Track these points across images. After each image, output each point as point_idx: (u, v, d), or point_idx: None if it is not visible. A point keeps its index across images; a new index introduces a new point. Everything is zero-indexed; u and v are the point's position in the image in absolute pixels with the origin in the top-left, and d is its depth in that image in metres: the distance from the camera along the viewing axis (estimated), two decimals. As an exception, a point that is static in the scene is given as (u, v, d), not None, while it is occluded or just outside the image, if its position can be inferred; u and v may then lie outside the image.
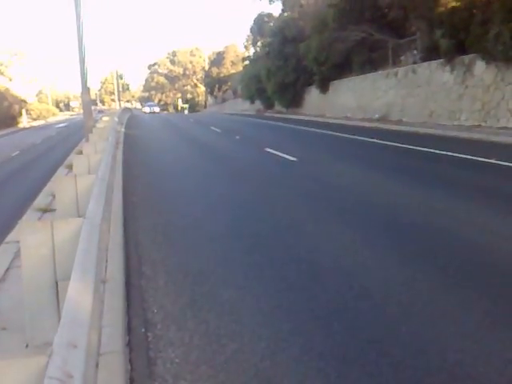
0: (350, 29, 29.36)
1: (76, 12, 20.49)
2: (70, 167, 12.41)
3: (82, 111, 26.19)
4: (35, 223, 4.89)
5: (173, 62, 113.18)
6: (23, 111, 76.63)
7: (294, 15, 47.20)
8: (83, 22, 20.76)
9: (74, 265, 3.40)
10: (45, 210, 9.14)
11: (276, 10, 64.82)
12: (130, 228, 7.74)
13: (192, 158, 17.34)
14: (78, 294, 2.96)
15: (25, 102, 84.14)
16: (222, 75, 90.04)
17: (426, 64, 25.10)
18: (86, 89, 21.55)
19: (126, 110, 62.32)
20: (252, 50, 68.11)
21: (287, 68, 42.41)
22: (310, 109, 41.40)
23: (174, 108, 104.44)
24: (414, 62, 26.82)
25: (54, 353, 2.16)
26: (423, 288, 5.04)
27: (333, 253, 6.27)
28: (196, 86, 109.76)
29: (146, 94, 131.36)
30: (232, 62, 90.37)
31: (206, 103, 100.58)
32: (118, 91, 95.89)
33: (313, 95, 41.37)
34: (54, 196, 8.80)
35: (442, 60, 23.29)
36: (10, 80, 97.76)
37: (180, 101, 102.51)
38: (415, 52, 27.34)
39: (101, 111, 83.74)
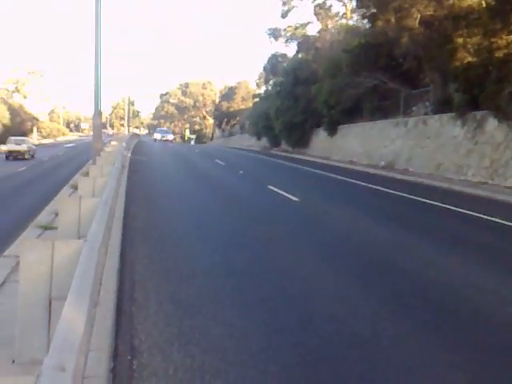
0: (363, 75, 29.72)
1: (96, 40, 20.90)
2: (75, 187, 12.52)
3: (91, 133, 26.47)
4: (37, 241, 4.96)
5: (184, 93, 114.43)
6: (34, 129, 77.72)
7: (308, 57, 47.88)
8: (100, 50, 21.14)
9: (71, 287, 3.44)
10: (46, 228, 9.19)
11: (291, 50, 66.23)
12: (127, 254, 7.77)
13: (192, 187, 17.48)
14: (72, 318, 3.00)
15: (37, 119, 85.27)
16: (231, 109, 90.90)
17: (437, 116, 25.20)
18: (97, 113, 21.82)
19: (135, 135, 62.84)
20: (263, 88, 68.88)
21: (297, 108, 42.80)
22: (317, 150, 41.62)
23: (181, 138, 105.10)
24: (426, 114, 26.96)
25: (43, 374, 2.21)
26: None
27: (325, 298, 6.30)
28: (205, 118, 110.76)
29: (155, 122, 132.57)
30: (243, 97, 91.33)
31: (213, 135, 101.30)
32: (129, 117, 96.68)
33: (320, 137, 41.64)
34: (56, 214, 8.87)
35: (453, 114, 23.33)
36: (25, 97, 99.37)
37: (188, 131, 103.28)
38: (427, 103, 27.51)
39: (110, 135, 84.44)
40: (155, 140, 70.99)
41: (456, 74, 22.68)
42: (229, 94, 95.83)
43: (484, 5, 21.94)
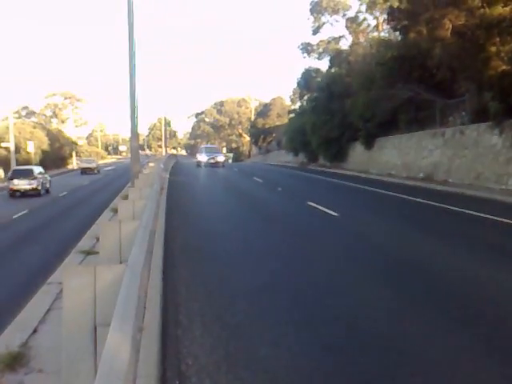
0: (397, 87, 29.52)
1: (129, 62, 21.23)
2: (115, 210, 12.66)
3: (129, 155, 26.81)
4: (79, 267, 5.01)
5: (219, 112, 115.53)
6: (73, 153, 79.32)
7: (341, 71, 47.79)
8: (135, 72, 21.45)
9: (114, 313, 3.44)
10: (88, 253, 9.29)
11: (323, 65, 66.11)
12: (168, 276, 7.78)
13: (232, 206, 17.50)
14: (117, 344, 2.99)
15: (75, 144, 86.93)
16: (267, 126, 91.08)
17: (474, 126, 24.84)
18: (135, 135, 22.11)
19: (172, 156, 63.52)
20: (298, 104, 68.94)
21: (333, 123, 42.66)
22: (354, 164, 41.36)
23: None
24: (462, 124, 26.59)
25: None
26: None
27: (370, 316, 6.18)
28: (241, 135, 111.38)
29: (192, 142, 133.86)
30: (278, 113, 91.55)
31: (249, 153, 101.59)
32: (165, 138, 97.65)
33: (357, 151, 41.38)
34: (97, 239, 8.96)
35: (490, 123, 23.03)
36: (63, 122, 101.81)
37: (225, 150, 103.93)
38: (463, 113, 27.14)
39: (147, 156, 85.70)
40: (199, 164, 49.08)
41: (491, 83, 22.39)
42: (264, 110, 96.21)
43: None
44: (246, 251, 10.13)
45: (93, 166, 61.78)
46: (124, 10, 20.96)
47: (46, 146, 64.73)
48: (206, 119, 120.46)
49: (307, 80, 57.20)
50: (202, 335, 5.43)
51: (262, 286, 7.44)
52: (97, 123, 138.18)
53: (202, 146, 61.12)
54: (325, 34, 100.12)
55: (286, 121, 75.46)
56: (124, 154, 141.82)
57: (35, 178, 32.75)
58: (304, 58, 59.73)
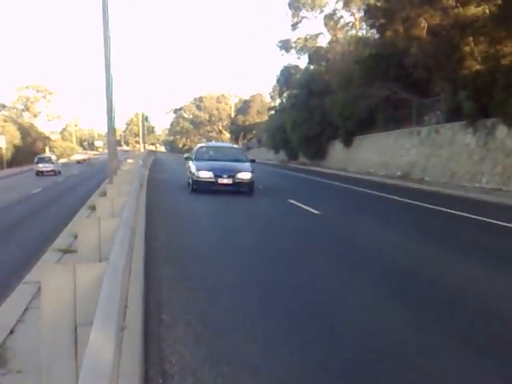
0: (375, 86, 29.71)
1: (105, 55, 20.83)
2: (93, 208, 12.50)
3: (106, 151, 26.40)
4: (57, 265, 4.90)
5: (199, 108, 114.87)
6: (46, 148, 77.27)
7: (320, 69, 47.92)
8: (110, 65, 21.04)
9: (96, 312, 3.38)
10: (65, 251, 9.15)
11: (302, 62, 66.11)
12: (150, 273, 7.72)
13: (210, 203, 17.40)
14: (100, 344, 2.94)
15: (49, 138, 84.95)
16: (247, 123, 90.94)
17: (449, 125, 25.18)
18: (112, 130, 21.72)
19: (151, 153, 62.81)
20: (278, 101, 69.00)
21: (312, 121, 42.80)
22: (334, 162, 41.56)
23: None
24: (438, 122, 26.93)
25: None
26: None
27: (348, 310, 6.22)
28: (221, 132, 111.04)
29: (171, 138, 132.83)
30: (258, 110, 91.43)
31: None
32: (144, 133, 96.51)
33: (337, 149, 41.59)
34: (75, 237, 8.84)
35: (464, 122, 23.36)
36: (35, 116, 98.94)
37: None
38: (438, 112, 27.48)
39: (125, 152, 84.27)
40: (195, 184, 19.94)
41: (465, 83, 22.73)
42: (244, 107, 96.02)
43: (488, 13, 21.89)
44: (220, 249, 9.96)
45: (85, 157, 61.37)
46: (99, 1, 20.55)
47: (17, 140, 63.13)
48: (185, 115, 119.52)
49: (287, 77, 57.32)
50: (184, 334, 5.40)
51: (225, 286, 7.28)
52: (71, 118, 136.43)
53: (203, 145, 25.65)
54: (304, 30, 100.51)
55: (265, 118, 75.57)
56: (100, 149, 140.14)
57: (53, 163, 48.84)
58: (283, 55, 59.91)
